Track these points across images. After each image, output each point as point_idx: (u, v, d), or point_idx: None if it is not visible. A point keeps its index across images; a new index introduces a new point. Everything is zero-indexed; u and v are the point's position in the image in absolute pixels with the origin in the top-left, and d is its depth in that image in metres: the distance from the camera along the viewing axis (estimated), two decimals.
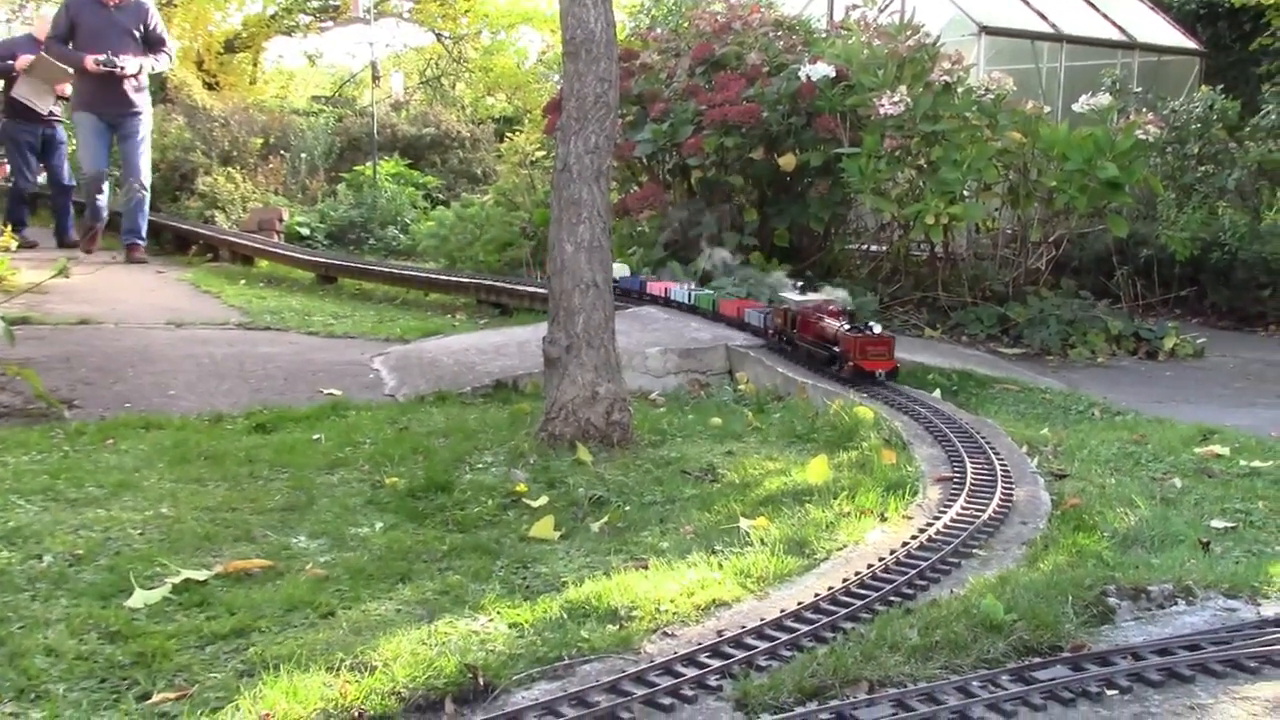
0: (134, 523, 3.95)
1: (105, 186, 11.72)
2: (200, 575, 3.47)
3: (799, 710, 2.78)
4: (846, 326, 6.09)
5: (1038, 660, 3.08)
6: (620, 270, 8.34)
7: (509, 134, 15.75)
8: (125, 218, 11.62)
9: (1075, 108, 9.15)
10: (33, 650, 2.96)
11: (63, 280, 7.75)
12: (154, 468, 4.62)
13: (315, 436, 5.18)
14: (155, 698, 2.77)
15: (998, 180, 8.83)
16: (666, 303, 8.10)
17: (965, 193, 8.72)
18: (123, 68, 11.03)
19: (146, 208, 11.72)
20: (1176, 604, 3.48)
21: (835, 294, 7.04)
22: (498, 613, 3.29)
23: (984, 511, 4.10)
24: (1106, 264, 10.12)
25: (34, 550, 3.65)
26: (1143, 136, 8.40)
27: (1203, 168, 10.49)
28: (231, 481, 4.49)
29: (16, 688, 2.79)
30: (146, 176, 11.57)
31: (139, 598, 3.30)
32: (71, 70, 11.22)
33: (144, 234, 11.80)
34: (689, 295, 7.93)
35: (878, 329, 6.05)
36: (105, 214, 11.83)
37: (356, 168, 15.64)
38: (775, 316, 6.80)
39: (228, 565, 3.58)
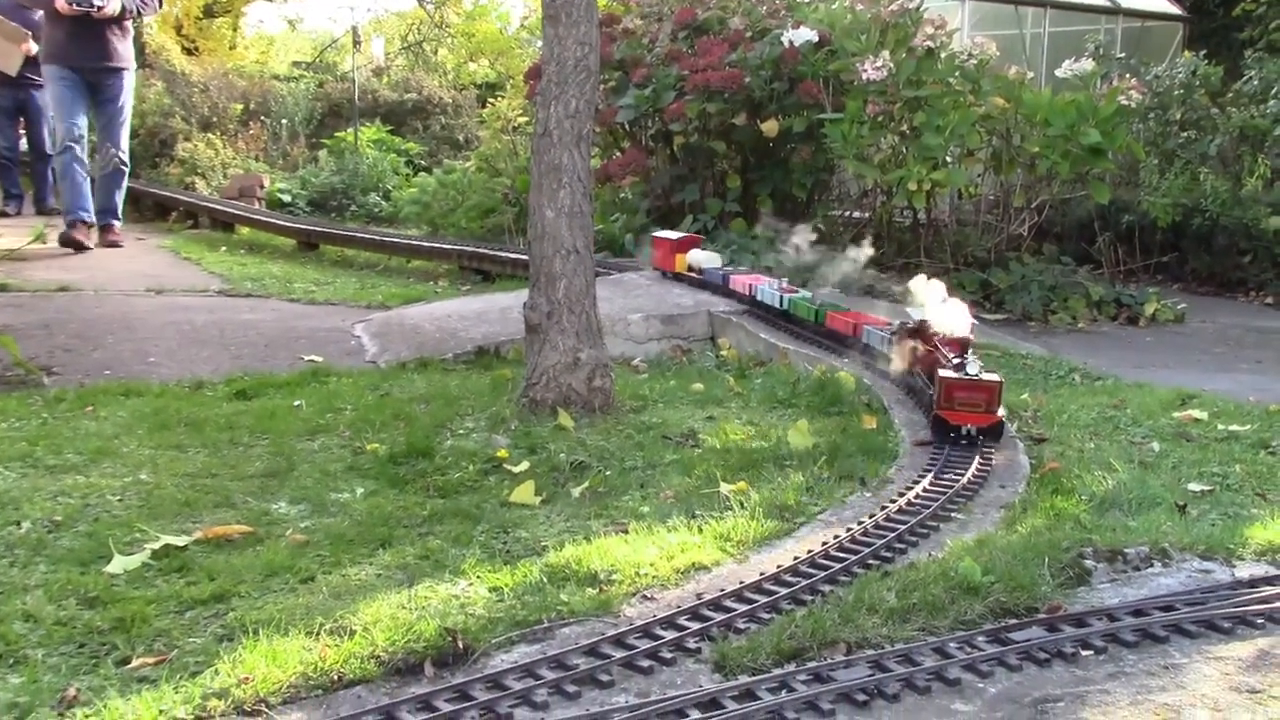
0: (113, 489, 3.94)
1: (84, 161, 10.04)
2: (180, 541, 3.47)
3: (777, 671, 2.80)
4: (954, 359, 4.62)
5: (1014, 622, 3.10)
6: (711, 260, 7.60)
7: (491, 100, 15.64)
8: (99, 193, 10.18)
9: (1058, 73, 9.14)
10: (11, 616, 2.96)
11: (41, 247, 7.72)
12: (134, 434, 4.60)
13: (296, 403, 5.17)
14: (134, 662, 2.77)
15: (981, 146, 8.82)
16: (753, 302, 6.86)
17: (948, 158, 8.71)
18: (100, 7, 9.42)
19: (125, 183, 10.49)
20: (1152, 566, 3.51)
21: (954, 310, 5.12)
22: (478, 577, 3.30)
23: (963, 475, 4.11)
24: (1088, 230, 10.14)
25: (12, 516, 3.64)
26: (1125, 102, 8.39)
27: (1185, 134, 10.49)
28: (211, 448, 4.48)
29: None
30: (126, 146, 10.31)
31: (118, 563, 3.30)
32: (26, 30, 10.57)
33: (120, 213, 10.48)
34: (780, 299, 6.54)
35: (975, 369, 4.50)
36: (88, 197, 10.10)
37: (338, 134, 15.55)
38: (901, 341, 5.30)
39: (207, 531, 3.57)
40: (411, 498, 3.99)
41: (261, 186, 13.20)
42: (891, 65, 8.29)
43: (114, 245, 10.25)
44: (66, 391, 5.25)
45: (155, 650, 2.84)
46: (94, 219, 10.16)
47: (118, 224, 10.47)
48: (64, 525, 3.60)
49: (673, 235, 8.15)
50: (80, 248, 9.70)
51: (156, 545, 3.42)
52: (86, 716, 2.48)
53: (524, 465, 4.29)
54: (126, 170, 10.38)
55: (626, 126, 10.02)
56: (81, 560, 3.34)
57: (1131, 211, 10.04)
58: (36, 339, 6.24)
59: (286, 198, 13.36)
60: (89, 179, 10.04)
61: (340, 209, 13.49)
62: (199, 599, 3.13)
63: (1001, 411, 4.46)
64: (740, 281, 7.11)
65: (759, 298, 6.74)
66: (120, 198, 10.43)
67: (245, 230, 11.81)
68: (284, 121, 15.89)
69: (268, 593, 3.19)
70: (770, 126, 9.00)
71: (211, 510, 3.82)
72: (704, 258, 7.69)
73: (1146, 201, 9.82)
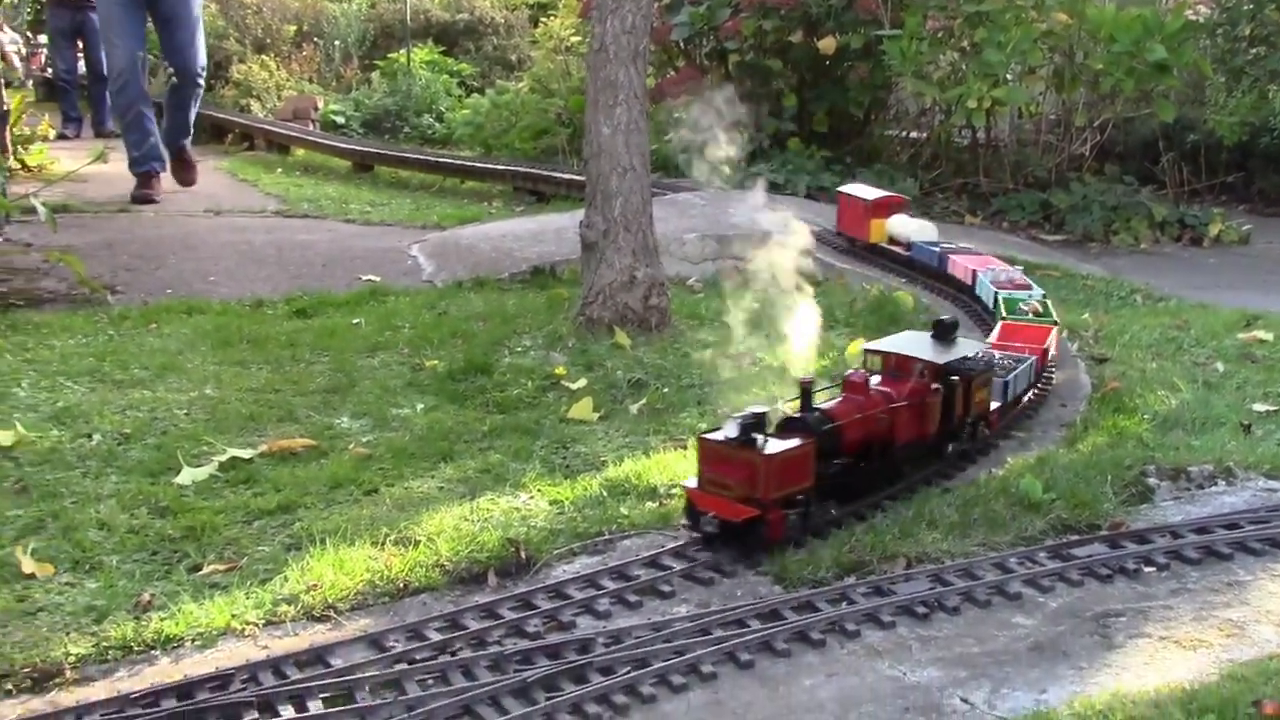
0: (179, 403, 4.01)
1: (149, 102, 8.40)
2: (246, 454, 3.53)
3: (837, 584, 2.82)
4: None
5: (1076, 538, 3.10)
6: (924, 231, 6.11)
7: (543, 19, 15.48)
8: (167, 113, 8.71)
9: None
10: (86, 524, 3.03)
11: (100, 168, 7.77)
12: (197, 351, 4.67)
13: (355, 321, 5.21)
14: (205, 569, 2.84)
15: (1042, 63, 8.62)
16: (972, 295, 5.40)
17: (1009, 76, 8.52)
18: None
19: (197, 102, 8.84)
20: (1216, 485, 3.48)
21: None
22: (538, 490, 3.33)
23: (1023, 394, 4.08)
24: (1152, 149, 9.91)
25: (83, 429, 3.71)
26: (1193, 18, 8.18)
27: (1254, 50, 10.17)
28: (274, 364, 4.53)
29: (72, 559, 2.86)
30: (202, 62, 8.65)
31: (187, 475, 3.36)
32: None
33: (189, 132, 8.95)
34: (994, 296, 4.96)
35: (736, 429, 2.95)
36: (159, 145, 8.50)
37: (390, 55, 15.47)
38: None
39: (272, 444, 3.63)
40: (471, 413, 4.03)
41: (315, 108, 13.20)
42: None
43: (188, 183, 8.95)
44: (130, 309, 5.32)
45: (225, 558, 2.90)
46: (164, 163, 8.65)
47: (187, 143, 8.97)
48: (133, 438, 3.67)
49: (867, 192, 6.58)
50: (151, 201, 8.35)
51: (223, 457, 3.48)
52: (162, 620, 2.55)
53: (581, 382, 4.31)
54: (200, 90, 8.76)
55: (681, 44, 9.89)
56: (151, 471, 3.41)
57: (1197, 130, 9.80)
58: (100, 258, 6.31)
59: (340, 119, 13.35)
60: (154, 119, 8.47)
61: (393, 131, 13.47)
62: (266, 509, 3.19)
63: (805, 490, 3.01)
64: (962, 266, 5.52)
65: (978, 290, 5.29)
66: (192, 116, 8.85)
67: (300, 152, 11.84)
68: (337, 43, 15.84)
69: (333, 504, 3.24)
70: (827, 44, 8.86)
71: (275, 424, 3.87)
72: (913, 227, 6.19)
73: (1213, 120, 9.56)
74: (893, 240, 6.25)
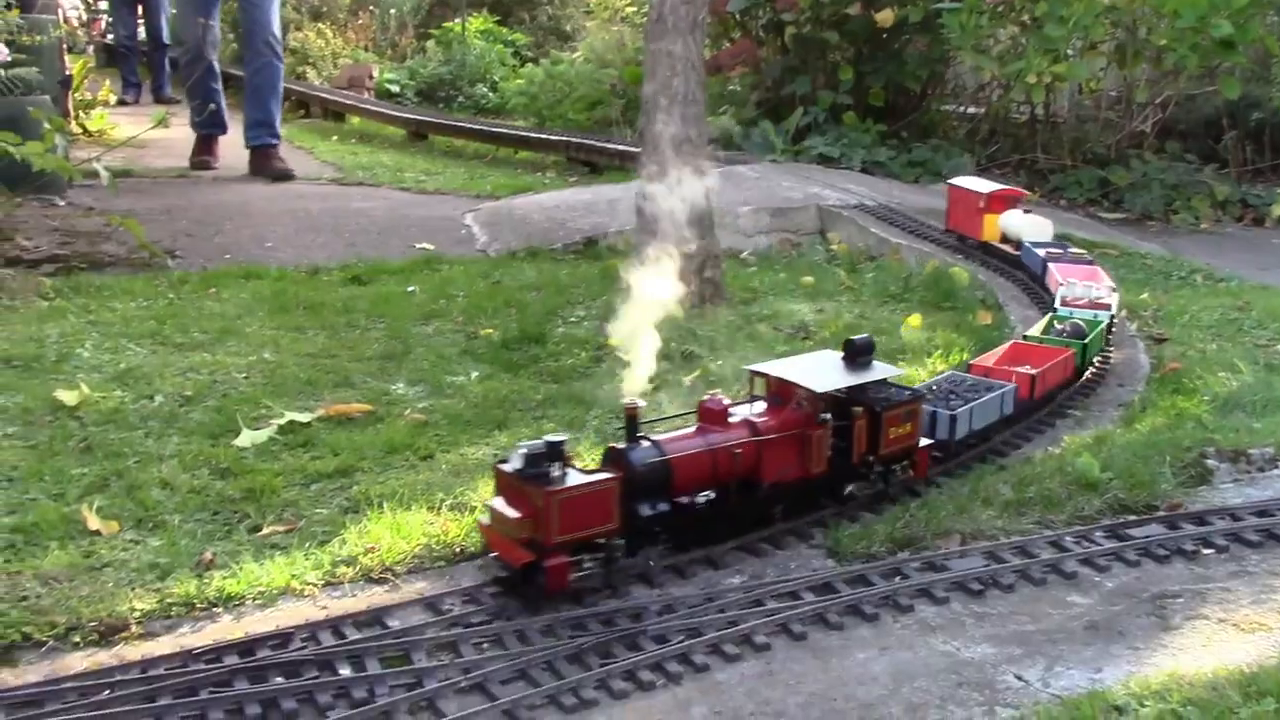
0: (239, 367, 4.06)
1: (216, 72, 8.09)
2: (304, 417, 3.57)
3: (890, 559, 2.82)
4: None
5: (1133, 518, 3.08)
6: (1037, 229, 5.53)
7: None
8: (250, 103, 8.11)
9: None
10: (149, 483, 3.09)
11: (159, 134, 7.84)
12: (255, 315, 4.72)
13: (410, 288, 5.25)
14: (265, 530, 2.88)
15: (1104, 38, 8.49)
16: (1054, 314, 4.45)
17: (1070, 51, 8.40)
18: None
19: (280, 85, 8.25)
20: (1277, 468, 3.44)
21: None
22: (592, 460, 3.34)
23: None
24: (1215, 127, 9.74)
25: (145, 391, 3.77)
26: None
27: None
28: (330, 330, 4.58)
29: (135, 517, 2.91)
30: (279, 35, 8.16)
31: (246, 437, 3.41)
32: None
33: (278, 125, 8.32)
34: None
35: (523, 460, 2.58)
36: (223, 111, 8.35)
37: (445, 24, 15.49)
38: None
39: (329, 409, 3.67)
40: (525, 382, 4.05)
41: (371, 77, 13.27)
42: None
43: (282, 176, 8.09)
44: (190, 274, 5.39)
45: (285, 519, 2.94)
46: (225, 129, 8.48)
47: (276, 142, 8.26)
48: (194, 400, 3.72)
49: (980, 185, 6.03)
50: (208, 168, 8.21)
51: (282, 421, 3.52)
52: (223, 578, 2.59)
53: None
54: (281, 68, 8.22)
55: (737, 16, 9.83)
56: (211, 433, 3.46)
57: (1261, 108, 9.61)
58: (159, 223, 6.39)
59: (395, 88, 13.41)
60: (220, 87, 8.23)
61: (447, 100, 13.51)
62: (324, 472, 3.23)
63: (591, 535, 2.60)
64: (1054, 278, 4.78)
65: (1056, 304, 4.50)
66: (277, 106, 8.25)
67: (356, 120, 11.91)
68: (392, 11, 15.89)
69: (389, 469, 3.27)
70: (885, 16, 8.77)
71: (332, 389, 3.91)
72: (1025, 224, 5.64)
73: (1278, 98, 9.38)
74: (1005, 238, 5.72)
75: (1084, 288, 4.53)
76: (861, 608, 2.57)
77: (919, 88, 9.50)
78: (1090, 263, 4.98)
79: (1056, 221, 6.97)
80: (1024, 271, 5.33)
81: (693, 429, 2.82)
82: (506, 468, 2.55)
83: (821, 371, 3.00)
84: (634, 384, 2.76)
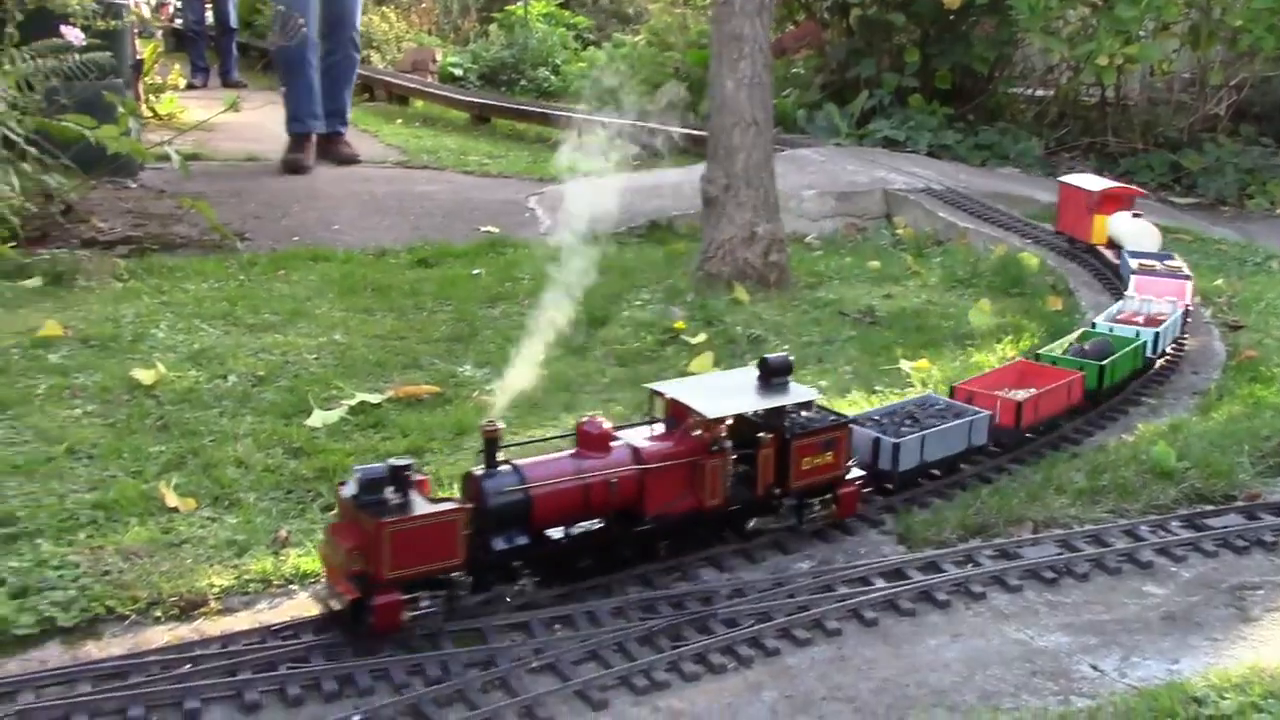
0: (309, 348, 4.10)
1: (312, 60, 7.70)
2: (374, 398, 3.61)
3: (961, 546, 2.80)
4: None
5: (1210, 508, 3.03)
6: (1142, 236, 4.98)
7: None
8: (325, 90, 7.97)
9: None
10: (224, 462, 3.13)
11: (226, 119, 7.92)
12: (324, 297, 4.77)
13: (475, 271, 5.27)
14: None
15: (1178, 19, 8.32)
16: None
17: (1142, 32, 8.25)
18: None
19: (355, 76, 8.36)
20: None
21: None
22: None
23: (1154, 360, 3.98)
24: None
25: (219, 370, 3.83)
26: None
27: None
28: (398, 312, 4.61)
29: (212, 495, 2.96)
30: (359, 32, 8.28)
31: (318, 417, 3.45)
32: None
33: (349, 114, 8.40)
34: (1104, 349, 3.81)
35: (355, 483, 2.40)
36: (316, 108, 7.92)
37: (508, 8, 15.51)
38: None
39: (399, 390, 3.70)
40: (591, 365, 4.06)
41: (434, 60, 13.31)
42: None
43: (348, 161, 8.18)
44: (259, 256, 5.45)
45: None
46: (322, 122, 8.12)
47: (344, 130, 8.36)
48: (266, 380, 3.77)
49: (1091, 183, 5.54)
50: (301, 169, 7.79)
51: (352, 401, 3.56)
52: (299, 556, 2.63)
53: (701, 337, 4.31)
54: (358, 60, 8.33)
55: None
56: (284, 412, 3.50)
57: None
58: (228, 206, 6.46)
59: (458, 71, 13.44)
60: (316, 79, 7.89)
61: (510, 83, 13.52)
62: (394, 453, 3.25)
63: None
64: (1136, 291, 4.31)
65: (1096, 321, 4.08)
66: (350, 96, 8.33)
67: (419, 103, 11.96)
68: None
69: (459, 450, 3.30)
70: None
71: (401, 370, 3.95)
72: (1130, 230, 5.10)
73: None
74: (1111, 243, 5.21)
75: (1142, 302, 4.12)
76: (933, 594, 2.56)
77: (986, 70, 9.37)
78: (1186, 277, 4.47)
79: None
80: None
81: (567, 453, 2.58)
82: (344, 492, 2.33)
83: (725, 393, 2.74)
84: (500, 402, 2.70)
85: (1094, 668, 2.32)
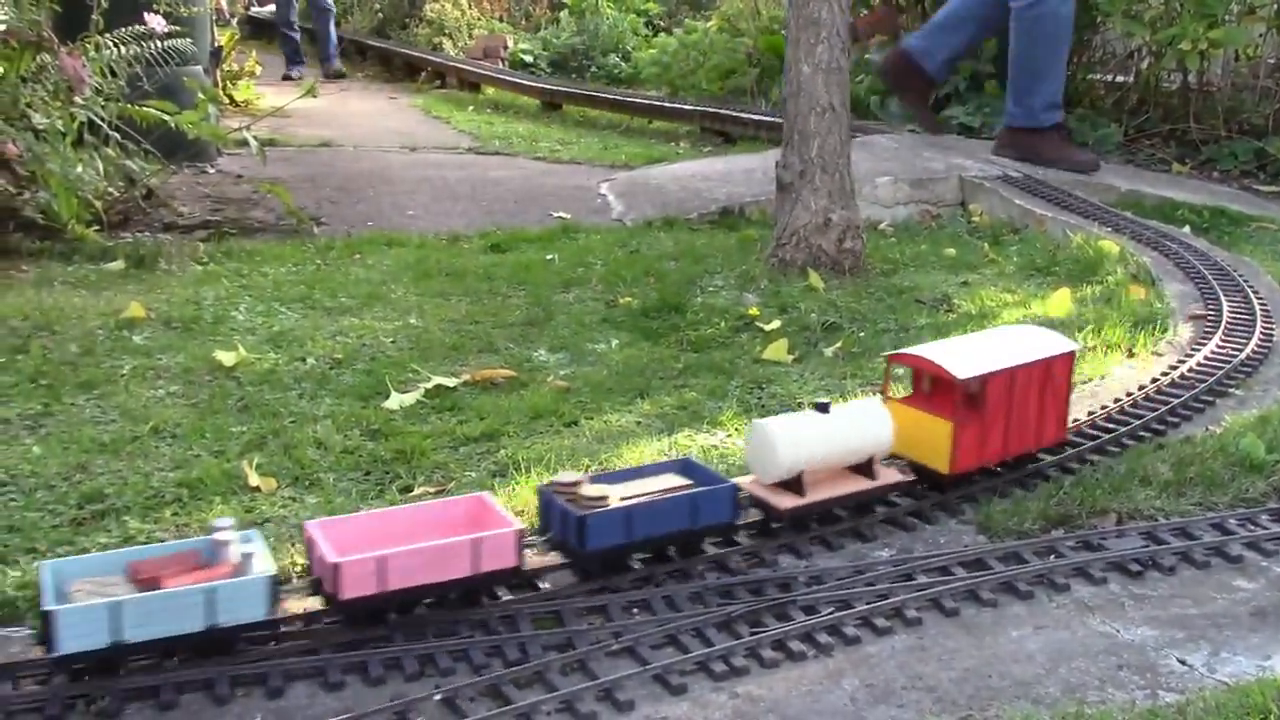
0: (386, 331, 4.14)
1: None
2: (450, 382, 3.63)
3: (1044, 537, 2.75)
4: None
5: None
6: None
7: None
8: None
9: None
10: (304, 442, 3.17)
11: (300, 105, 8.01)
12: (399, 281, 4.81)
13: (548, 257, 5.28)
14: (416, 490, 2.94)
15: (1265, 2, 8.11)
16: None
17: (1227, 16, 8.06)
18: None
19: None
20: None
21: None
22: (735, 429, 3.34)
23: (1241, 350, 3.89)
24: None
25: (297, 353, 3.87)
26: None
27: None
28: (473, 296, 4.64)
29: (292, 475, 3.00)
30: None
31: (395, 400, 3.48)
32: None
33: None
34: None
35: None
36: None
37: None
38: None
39: (474, 374, 3.72)
40: (665, 351, 4.06)
41: (505, 47, 13.37)
42: None
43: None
44: (335, 240, 5.51)
45: (434, 481, 3.00)
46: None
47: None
48: (344, 363, 3.81)
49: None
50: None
51: (429, 385, 3.58)
52: None
53: (775, 323, 4.29)
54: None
55: None
56: (362, 395, 3.54)
57: None
58: (304, 190, 6.54)
59: (528, 58, 13.49)
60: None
61: (580, 70, 13.54)
62: (471, 436, 3.28)
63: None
64: None
65: None
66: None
67: (490, 90, 12.02)
68: None
69: (534, 434, 3.31)
70: None
71: (476, 355, 3.97)
72: None
73: None
74: None
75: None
76: (1015, 585, 2.52)
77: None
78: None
79: (1209, 195, 6.73)
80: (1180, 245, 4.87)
81: None
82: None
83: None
84: None
85: (1182, 662, 2.27)
